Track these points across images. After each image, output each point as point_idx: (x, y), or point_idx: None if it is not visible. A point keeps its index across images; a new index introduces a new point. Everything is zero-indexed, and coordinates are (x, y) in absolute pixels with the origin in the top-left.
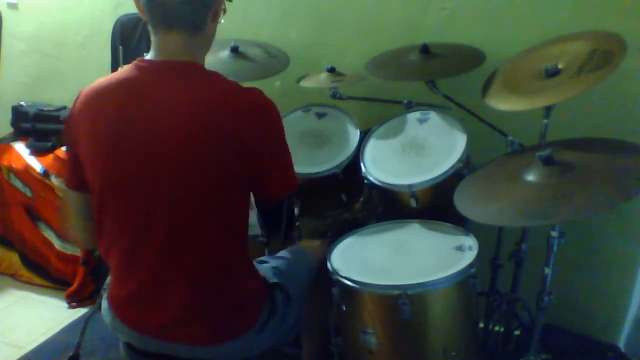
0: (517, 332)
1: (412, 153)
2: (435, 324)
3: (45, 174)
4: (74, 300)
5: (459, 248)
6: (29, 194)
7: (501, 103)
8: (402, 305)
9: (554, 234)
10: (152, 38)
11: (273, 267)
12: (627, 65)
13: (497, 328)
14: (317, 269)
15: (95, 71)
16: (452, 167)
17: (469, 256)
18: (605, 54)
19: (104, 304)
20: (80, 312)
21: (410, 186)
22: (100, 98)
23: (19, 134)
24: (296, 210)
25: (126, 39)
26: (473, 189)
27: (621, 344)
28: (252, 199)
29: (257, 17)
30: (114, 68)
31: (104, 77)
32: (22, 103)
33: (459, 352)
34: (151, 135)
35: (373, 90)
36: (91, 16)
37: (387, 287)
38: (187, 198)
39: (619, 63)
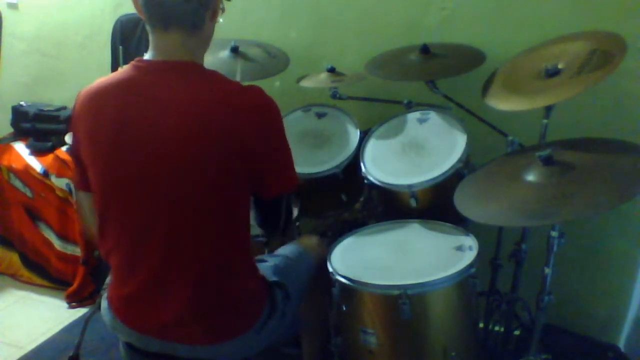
0: (517, 332)
1: (412, 153)
2: (435, 324)
3: (45, 174)
4: (74, 300)
5: (459, 248)
6: (29, 194)
7: (501, 103)
8: (402, 305)
9: (554, 234)
10: (151, 38)
11: (272, 266)
12: (627, 65)
13: (497, 328)
14: (316, 266)
15: (95, 71)
16: (452, 167)
17: (469, 256)
18: (605, 54)
19: (104, 303)
20: (80, 312)
21: (410, 186)
22: (99, 99)
23: (19, 134)
24: (296, 211)
25: (126, 39)
26: (473, 189)
27: (621, 344)
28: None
29: (257, 17)
30: (114, 68)
31: (102, 77)
32: (22, 103)
33: (459, 352)
34: (151, 135)
35: (373, 90)
36: (91, 16)
37: (387, 287)
38: (187, 198)
39: (619, 63)
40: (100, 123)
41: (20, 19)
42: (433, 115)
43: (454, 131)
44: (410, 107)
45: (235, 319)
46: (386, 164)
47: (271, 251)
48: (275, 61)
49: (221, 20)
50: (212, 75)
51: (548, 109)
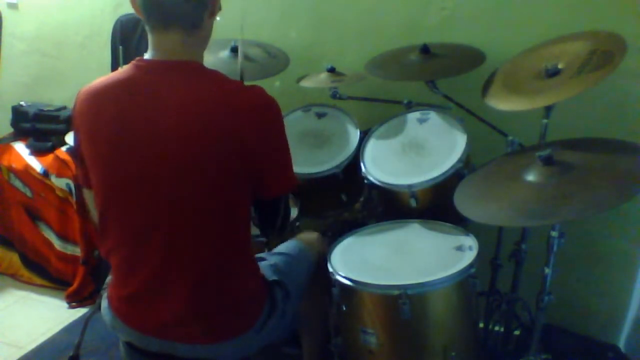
0: (517, 332)
1: (412, 153)
2: (435, 324)
3: (45, 174)
4: (74, 300)
5: (459, 248)
6: (29, 194)
7: (501, 103)
8: (402, 305)
9: (554, 234)
10: (150, 37)
11: (272, 264)
12: (627, 65)
13: (497, 328)
14: (316, 264)
15: (95, 71)
16: (452, 167)
17: (469, 256)
18: (605, 54)
19: (104, 303)
20: (80, 312)
21: (410, 186)
22: (99, 99)
23: (19, 134)
24: (296, 211)
25: (126, 39)
26: (473, 189)
27: (621, 344)
28: None
29: (257, 17)
30: (114, 68)
31: (102, 77)
32: (22, 103)
33: (459, 352)
34: (151, 135)
35: (373, 90)
36: (91, 16)
37: (387, 287)
38: (187, 198)
39: (619, 63)
40: (100, 123)
41: (20, 19)
42: (433, 115)
43: (454, 131)
44: (410, 107)
45: (235, 318)
46: (386, 164)
47: (271, 250)
48: (275, 61)
49: (219, 18)
50: (213, 74)
51: (548, 109)
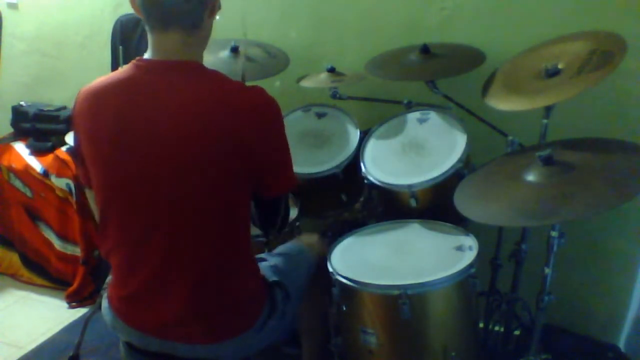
0: (517, 332)
1: (412, 153)
2: (435, 324)
3: (45, 174)
4: (74, 300)
5: (459, 248)
6: (29, 194)
7: (501, 103)
8: (402, 305)
9: (554, 234)
10: (149, 37)
11: (272, 265)
12: (627, 65)
13: (497, 328)
14: (316, 265)
15: (95, 71)
16: (452, 167)
17: (469, 256)
18: (605, 54)
19: (104, 303)
20: (80, 312)
21: (410, 186)
22: (99, 98)
23: (19, 134)
24: (296, 211)
25: (126, 39)
26: (473, 189)
27: (621, 344)
28: None
29: (257, 17)
30: (114, 68)
31: (102, 76)
32: (22, 103)
33: (459, 352)
34: (151, 135)
35: (373, 90)
36: (91, 16)
37: (387, 287)
38: (187, 198)
39: (619, 63)
40: (100, 123)
41: (20, 19)
42: (433, 115)
43: (454, 131)
44: (410, 107)
45: (235, 318)
46: (386, 164)
47: (271, 251)
48: (275, 61)
49: (218, 17)
50: (213, 74)
51: (548, 109)
